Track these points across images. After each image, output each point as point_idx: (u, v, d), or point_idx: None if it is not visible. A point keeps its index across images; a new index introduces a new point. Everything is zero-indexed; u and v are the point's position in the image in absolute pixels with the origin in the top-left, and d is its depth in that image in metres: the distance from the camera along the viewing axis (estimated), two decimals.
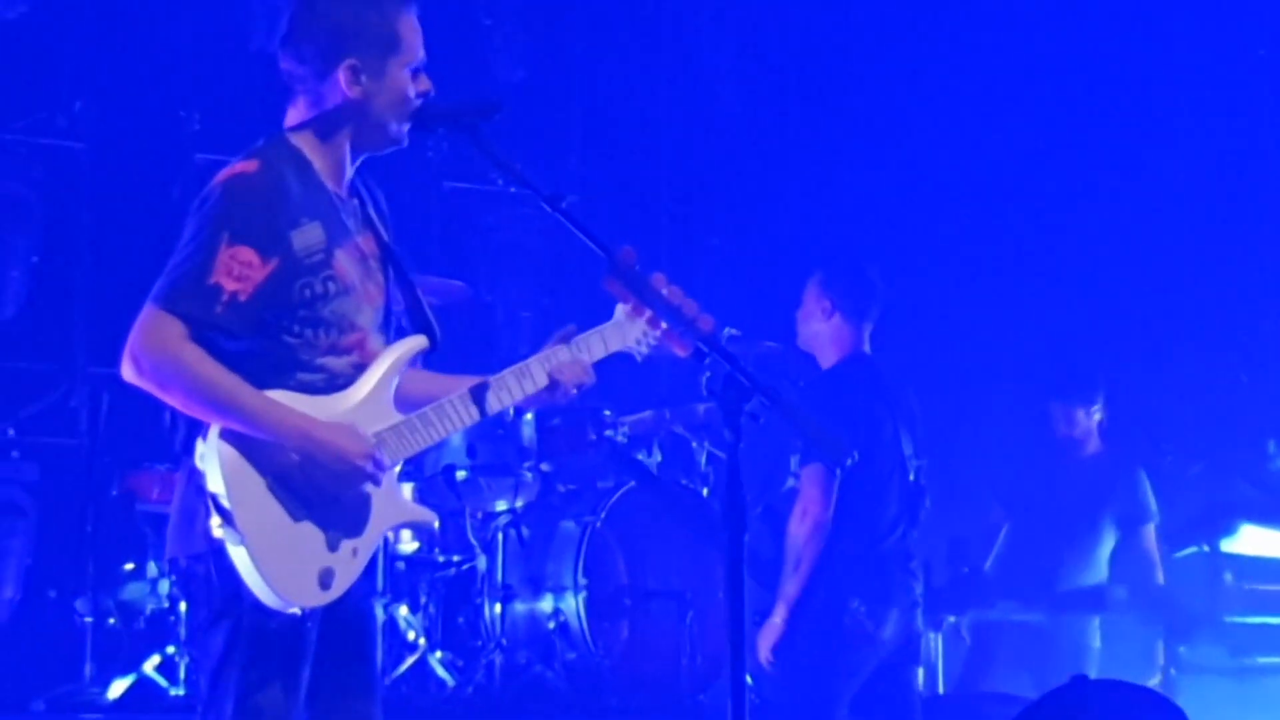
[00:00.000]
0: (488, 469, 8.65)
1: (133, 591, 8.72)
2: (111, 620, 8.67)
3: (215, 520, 4.30)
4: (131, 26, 10.20)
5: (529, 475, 8.71)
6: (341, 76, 4.55)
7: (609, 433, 8.82)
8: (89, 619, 8.55)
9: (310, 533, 4.40)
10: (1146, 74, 11.19)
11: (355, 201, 4.71)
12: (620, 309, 4.89)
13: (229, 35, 10.34)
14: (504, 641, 8.52)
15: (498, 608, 8.57)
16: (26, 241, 10.09)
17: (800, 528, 7.21)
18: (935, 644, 9.09)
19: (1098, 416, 9.53)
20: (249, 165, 4.48)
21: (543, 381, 4.77)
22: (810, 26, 11.79)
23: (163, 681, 8.19)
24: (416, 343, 4.71)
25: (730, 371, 4.29)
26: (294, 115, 4.64)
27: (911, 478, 7.54)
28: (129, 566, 8.78)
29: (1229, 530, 9.90)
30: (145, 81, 10.14)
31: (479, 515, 8.81)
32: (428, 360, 4.81)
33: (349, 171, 4.68)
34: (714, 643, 8.43)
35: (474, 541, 8.70)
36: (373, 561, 4.62)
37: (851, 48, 11.63)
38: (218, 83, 10.12)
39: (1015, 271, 11.22)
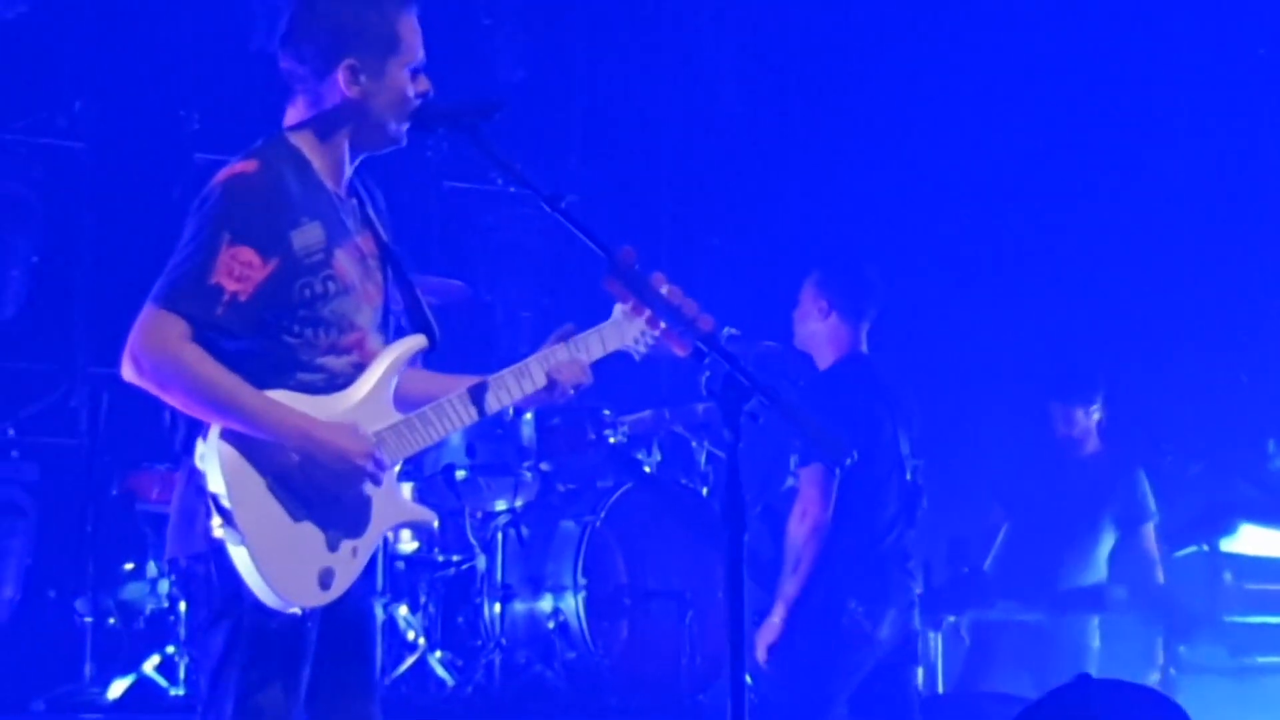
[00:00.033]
0: (487, 468, 8.65)
1: (132, 591, 8.72)
2: (111, 620, 8.67)
3: (216, 520, 4.30)
4: (131, 26, 10.19)
5: (529, 475, 8.71)
6: (341, 76, 4.56)
7: (608, 432, 8.82)
8: (89, 619, 8.55)
9: (310, 533, 4.40)
10: (1146, 74, 11.19)
11: (354, 201, 4.72)
12: (618, 308, 4.89)
13: (229, 35, 10.34)
14: (503, 641, 8.52)
15: (497, 607, 8.57)
16: (26, 241, 10.09)
17: (800, 528, 7.21)
18: (935, 644, 9.09)
19: (1097, 416, 9.53)
20: (249, 165, 4.48)
21: (541, 381, 4.77)
22: (811, 26, 11.79)
23: (163, 681, 8.19)
24: (416, 342, 4.71)
25: (730, 371, 4.29)
26: (293, 115, 4.64)
27: (909, 477, 7.54)
28: (129, 566, 8.78)
29: (1229, 530, 9.90)
30: (145, 81, 10.14)
31: (478, 515, 8.81)
32: (427, 359, 4.82)
33: (348, 171, 4.68)
34: (714, 642, 8.43)
35: (473, 541, 8.70)
36: (372, 561, 4.62)
37: (852, 48, 11.63)
38: (218, 82, 10.12)
39: (1015, 272, 11.23)
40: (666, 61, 11.89)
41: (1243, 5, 11.05)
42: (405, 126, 4.65)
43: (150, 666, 8.21)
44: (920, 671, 8.57)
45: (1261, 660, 9.55)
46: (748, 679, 5.21)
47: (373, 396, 4.56)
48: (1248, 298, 11.11)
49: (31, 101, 10.10)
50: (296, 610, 4.38)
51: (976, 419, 11.03)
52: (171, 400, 4.37)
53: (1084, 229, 11.27)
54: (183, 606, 7.99)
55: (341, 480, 4.42)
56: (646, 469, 8.94)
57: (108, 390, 8.91)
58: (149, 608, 8.57)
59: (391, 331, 4.80)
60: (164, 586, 8.44)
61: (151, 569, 8.60)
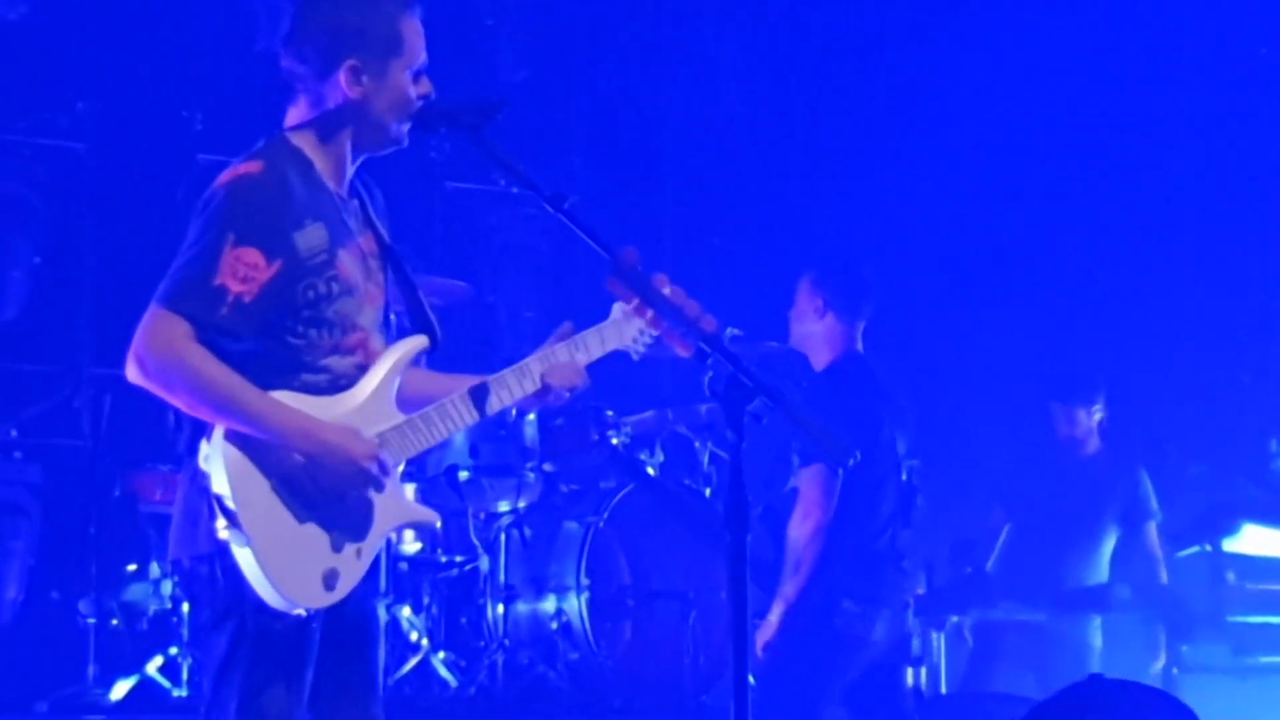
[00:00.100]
0: (490, 469, 8.65)
1: (136, 592, 8.72)
2: (114, 621, 8.66)
3: (221, 522, 4.30)
4: (134, 27, 10.19)
5: (531, 476, 8.71)
6: (342, 77, 4.56)
7: (611, 433, 8.82)
8: (92, 620, 8.54)
9: (315, 534, 4.41)
10: (1146, 74, 11.19)
11: (355, 202, 4.72)
12: (617, 307, 4.90)
13: (232, 35, 10.34)
14: (507, 642, 8.51)
15: (500, 608, 8.57)
16: (29, 242, 10.08)
17: (801, 530, 7.21)
18: (938, 644, 9.08)
19: (1099, 416, 9.54)
20: (252, 166, 4.48)
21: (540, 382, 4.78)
22: (813, 26, 11.79)
23: (166, 683, 8.19)
24: (418, 343, 4.72)
25: (733, 372, 4.29)
26: (294, 115, 4.65)
27: (904, 477, 7.53)
28: (132, 567, 8.77)
29: (1231, 530, 9.90)
30: (148, 82, 10.14)
31: (481, 516, 8.81)
32: (429, 359, 4.83)
33: (349, 171, 4.69)
34: (717, 643, 8.42)
35: (476, 542, 8.69)
36: (375, 562, 4.61)
37: (854, 48, 11.63)
38: (221, 83, 10.11)
39: (1017, 272, 11.23)
40: (668, 62, 11.89)
41: (1244, 5, 11.05)
42: (406, 127, 4.66)
43: (153, 668, 8.21)
44: (924, 672, 8.59)
45: (1264, 660, 9.55)
46: (750, 679, 5.22)
47: (375, 397, 4.57)
48: (1249, 297, 11.11)
49: (34, 102, 10.10)
50: (301, 611, 4.38)
51: (978, 419, 11.04)
52: (176, 401, 4.38)
53: (1085, 229, 11.28)
54: (185, 607, 7.99)
55: (346, 482, 4.42)
56: (649, 470, 8.94)
57: (110, 391, 8.90)
58: (152, 609, 8.57)
59: (393, 332, 4.80)
60: (167, 587, 8.43)
61: (154, 570, 8.60)
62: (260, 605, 4.34)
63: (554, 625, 8.46)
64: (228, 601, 4.38)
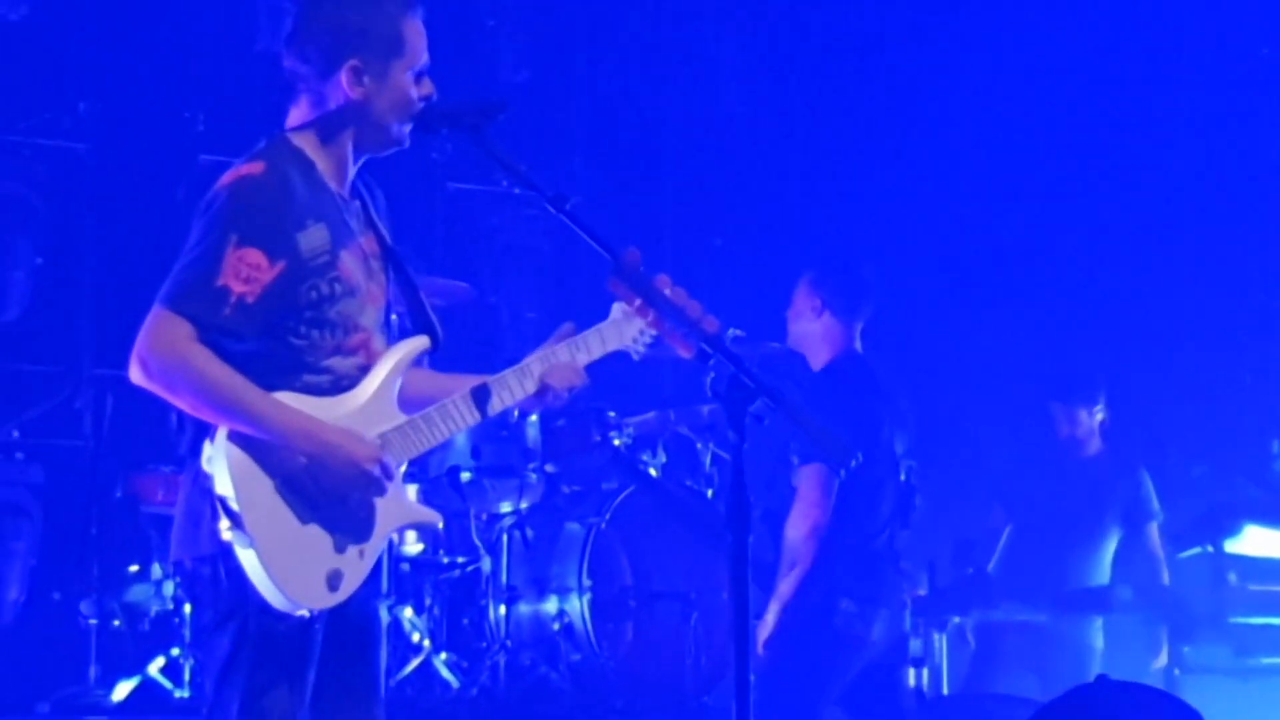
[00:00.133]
0: (492, 470, 8.65)
1: (137, 593, 8.72)
2: (116, 622, 8.66)
3: (224, 523, 4.30)
4: (135, 27, 10.19)
5: (533, 477, 8.71)
6: (344, 77, 4.56)
7: (613, 434, 8.82)
8: (93, 621, 8.54)
9: (318, 535, 4.41)
10: (1147, 74, 11.19)
11: (357, 203, 4.72)
12: (617, 307, 4.91)
13: (233, 36, 10.34)
14: (509, 643, 8.51)
15: (502, 609, 8.57)
16: (30, 243, 10.08)
17: (799, 529, 7.20)
18: (940, 645, 9.08)
19: (1100, 417, 9.53)
20: (254, 167, 4.48)
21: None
22: (813, 26, 11.79)
23: (167, 684, 8.19)
24: (419, 343, 4.72)
25: (735, 373, 4.29)
26: (296, 115, 4.65)
27: (903, 477, 7.52)
28: (133, 568, 8.77)
29: (1233, 531, 9.89)
30: (149, 82, 10.14)
31: (483, 517, 8.81)
32: (431, 360, 4.83)
33: (351, 172, 4.69)
34: (719, 644, 8.42)
35: (478, 543, 8.69)
36: (377, 563, 4.61)
37: (855, 48, 11.63)
38: (222, 83, 10.11)
39: (1017, 273, 11.23)
40: (669, 62, 11.89)
41: (1244, 6, 11.05)
42: (408, 128, 4.66)
43: (155, 669, 8.21)
44: (925, 673, 8.59)
45: (1266, 661, 9.54)
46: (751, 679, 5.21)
47: (377, 398, 4.57)
48: (1250, 298, 11.11)
49: (35, 103, 10.10)
50: (305, 612, 4.38)
51: (979, 420, 11.04)
52: (179, 402, 4.38)
53: (1086, 229, 11.28)
54: (187, 608, 7.99)
55: (348, 483, 4.42)
56: (651, 471, 8.94)
57: (112, 392, 8.90)
58: (154, 610, 8.57)
59: (395, 333, 4.80)
60: (169, 588, 8.43)
61: (156, 571, 8.60)
62: (263, 606, 4.34)
63: (556, 626, 8.46)
64: (230, 603, 4.38)
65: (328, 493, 4.40)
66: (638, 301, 4.47)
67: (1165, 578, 9.42)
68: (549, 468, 8.81)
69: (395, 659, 8.34)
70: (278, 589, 4.31)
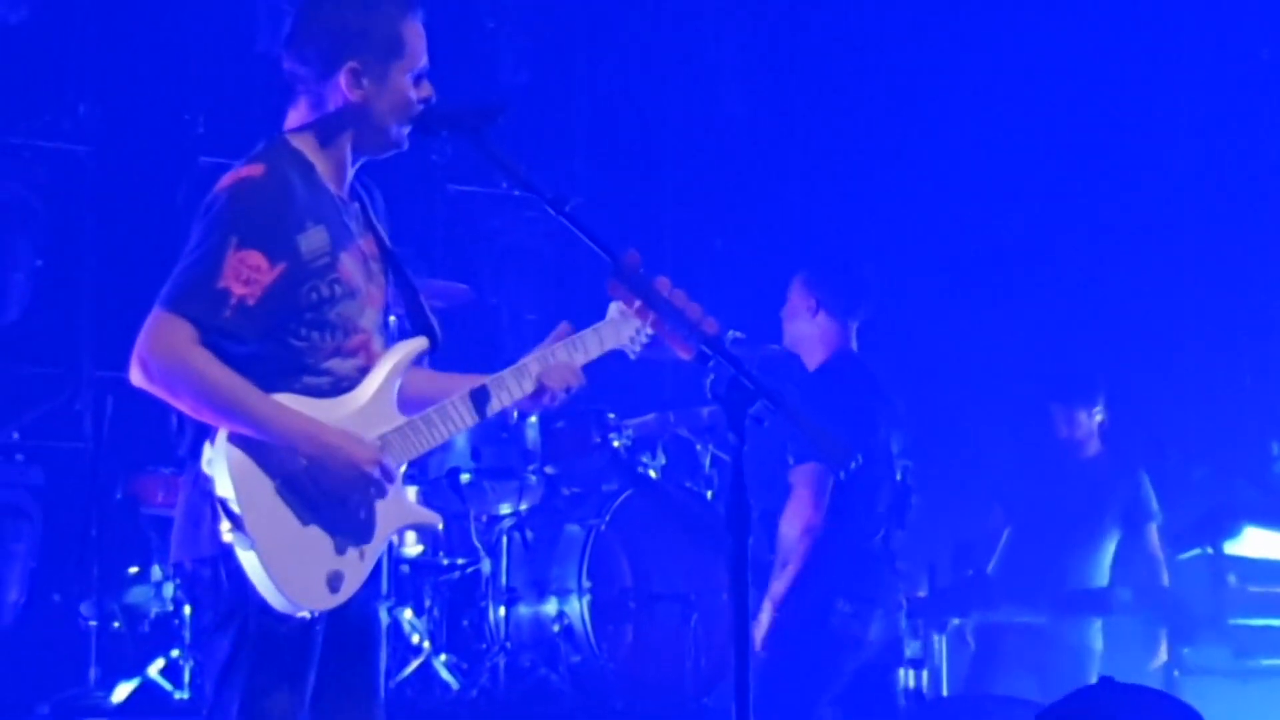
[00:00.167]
0: (492, 472, 8.65)
1: (137, 595, 8.72)
2: (116, 624, 8.66)
3: (225, 525, 4.30)
4: (135, 29, 10.19)
5: (533, 478, 8.71)
6: (343, 79, 4.56)
7: (613, 436, 8.82)
8: (93, 623, 8.54)
9: (318, 536, 4.41)
10: (1147, 74, 11.19)
11: (356, 204, 4.73)
12: (614, 306, 4.91)
13: (234, 38, 10.35)
14: (508, 645, 8.52)
15: (502, 611, 8.57)
16: (30, 245, 10.08)
17: (792, 528, 7.19)
18: (939, 646, 9.08)
19: (1099, 418, 9.53)
20: (254, 169, 4.48)
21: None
22: (813, 26, 11.79)
23: (167, 685, 8.19)
24: (418, 344, 4.72)
25: (734, 374, 4.29)
26: (295, 117, 4.65)
27: (899, 478, 7.52)
28: (133, 570, 8.77)
29: (1232, 532, 9.89)
30: (149, 84, 10.14)
31: (483, 518, 8.81)
32: (430, 361, 4.83)
33: (350, 174, 4.69)
34: (719, 646, 8.43)
35: (478, 544, 8.69)
36: (377, 565, 4.62)
37: (856, 49, 11.64)
38: (222, 85, 10.12)
39: (1017, 273, 11.22)
40: (669, 64, 11.89)
41: (1244, 6, 11.05)
42: (407, 130, 4.66)
43: (155, 670, 8.21)
44: (925, 674, 8.59)
45: (1265, 663, 9.54)
46: None
47: (377, 399, 4.57)
48: (1250, 299, 11.11)
49: (35, 105, 10.10)
50: (306, 614, 4.38)
51: (978, 421, 11.03)
52: (179, 404, 4.38)
53: (1086, 230, 11.28)
54: (187, 610, 8.00)
55: (348, 485, 4.42)
56: (651, 473, 8.94)
57: (112, 394, 8.89)
58: (154, 611, 8.57)
59: (393, 335, 4.80)
60: (169, 590, 8.43)
61: (156, 572, 8.60)
62: (264, 608, 4.34)
63: (556, 628, 8.47)
64: (230, 604, 4.38)
65: (328, 494, 4.40)
66: (638, 303, 4.48)
67: (1165, 579, 9.42)
68: (549, 469, 8.81)
69: (395, 660, 8.34)
70: (278, 590, 4.32)
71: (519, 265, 11.39)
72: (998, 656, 9.46)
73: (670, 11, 12.00)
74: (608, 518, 8.50)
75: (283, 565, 4.33)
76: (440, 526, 4.83)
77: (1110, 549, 9.36)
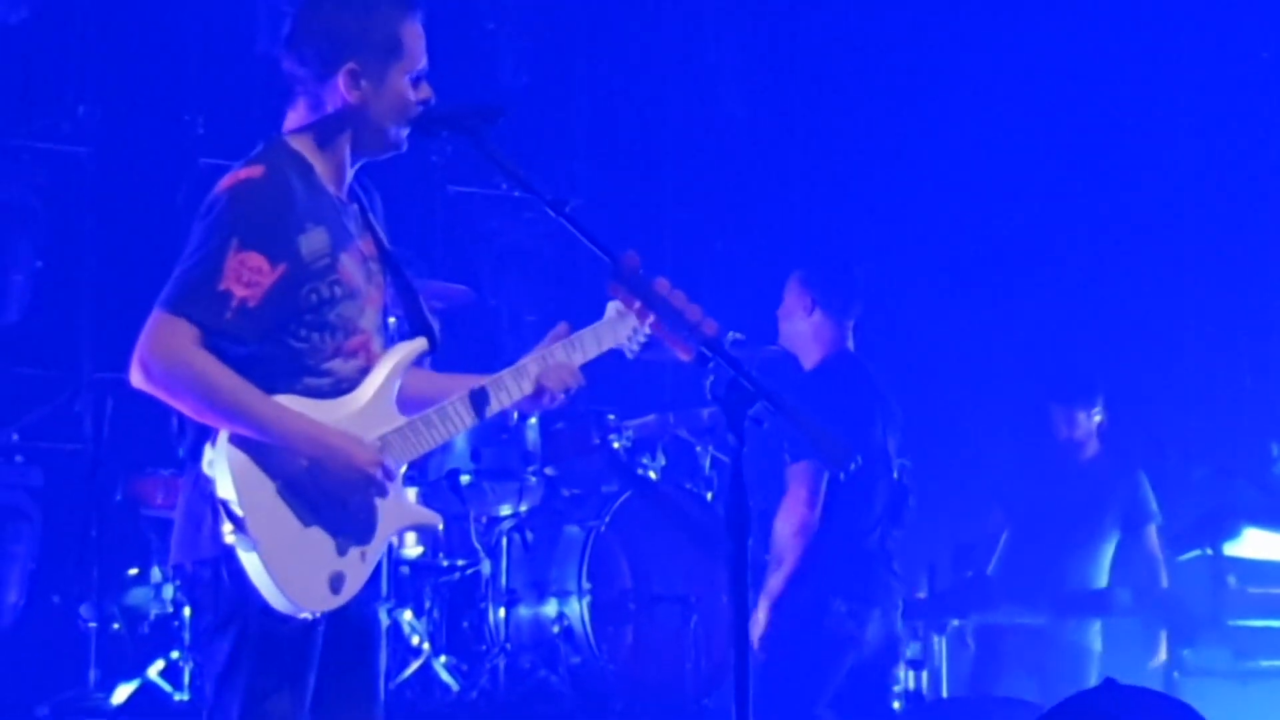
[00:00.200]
0: (492, 473, 8.65)
1: (137, 597, 8.71)
2: (115, 625, 8.65)
3: (227, 526, 4.30)
4: (135, 30, 10.19)
5: (533, 479, 8.71)
6: (341, 80, 4.55)
7: (613, 437, 8.82)
8: (93, 624, 8.54)
9: (320, 537, 4.41)
10: (1147, 74, 11.19)
11: (355, 206, 4.72)
12: (612, 306, 4.92)
13: (234, 39, 10.34)
14: (508, 646, 8.52)
15: (502, 612, 8.57)
16: (30, 246, 10.08)
17: (786, 525, 7.19)
18: (939, 648, 9.08)
19: (1098, 419, 9.53)
20: (254, 171, 4.48)
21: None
22: (813, 27, 11.79)
23: (167, 687, 8.18)
24: (418, 345, 4.72)
25: (734, 376, 4.29)
26: (293, 118, 4.65)
27: (896, 477, 7.51)
28: (133, 572, 8.76)
29: (1232, 533, 9.88)
30: (149, 85, 10.14)
31: (483, 520, 8.81)
32: (430, 362, 4.83)
33: (349, 175, 4.69)
34: (719, 647, 8.43)
35: (478, 546, 8.70)
36: (376, 566, 4.62)
37: (856, 51, 11.63)
38: (222, 87, 10.12)
39: (1016, 273, 11.22)
40: (669, 65, 11.89)
41: (1244, 7, 11.05)
42: (405, 132, 4.65)
43: (155, 672, 8.21)
44: (925, 675, 8.58)
45: (1265, 664, 9.54)
46: None
47: (377, 400, 4.57)
48: (1251, 299, 11.11)
49: (35, 106, 10.10)
50: (308, 615, 4.38)
51: (978, 422, 11.03)
52: (181, 406, 4.38)
53: (1085, 229, 11.29)
54: (187, 612, 7.99)
55: (349, 486, 4.42)
56: (651, 474, 8.94)
57: (112, 395, 8.89)
58: (153, 613, 8.56)
59: (394, 335, 4.80)
60: (168, 592, 8.43)
61: (156, 574, 8.59)
62: (265, 609, 4.33)
63: (555, 629, 8.47)
64: (231, 606, 4.37)
65: (329, 495, 4.40)
66: (637, 305, 4.47)
67: (1164, 580, 9.42)
68: (549, 471, 8.82)
69: (395, 662, 8.34)
70: (281, 592, 4.31)
71: (519, 266, 11.38)
72: (998, 658, 9.46)
73: (670, 12, 11.99)
74: (608, 519, 8.50)
75: (285, 566, 4.32)
76: (440, 527, 4.83)
77: (1110, 550, 9.36)
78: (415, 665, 8.43)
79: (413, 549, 8.82)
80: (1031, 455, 9.83)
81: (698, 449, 9.10)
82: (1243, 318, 11.14)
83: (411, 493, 8.29)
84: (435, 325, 4.79)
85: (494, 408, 4.72)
